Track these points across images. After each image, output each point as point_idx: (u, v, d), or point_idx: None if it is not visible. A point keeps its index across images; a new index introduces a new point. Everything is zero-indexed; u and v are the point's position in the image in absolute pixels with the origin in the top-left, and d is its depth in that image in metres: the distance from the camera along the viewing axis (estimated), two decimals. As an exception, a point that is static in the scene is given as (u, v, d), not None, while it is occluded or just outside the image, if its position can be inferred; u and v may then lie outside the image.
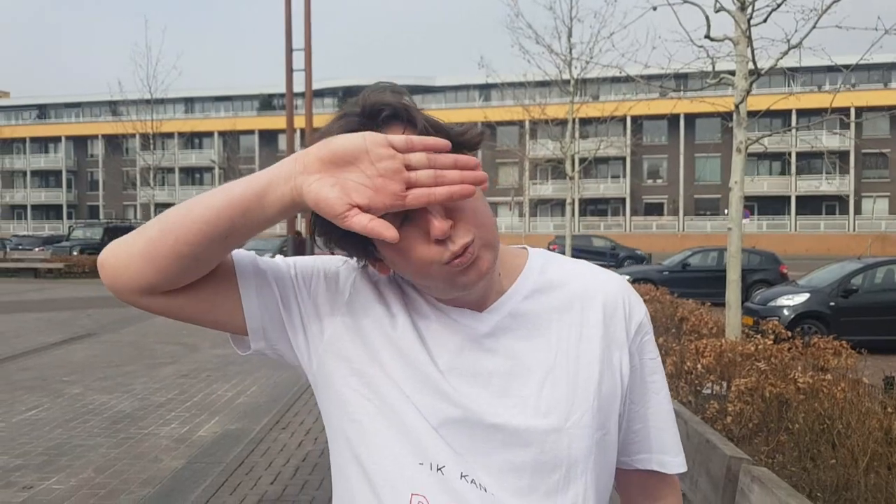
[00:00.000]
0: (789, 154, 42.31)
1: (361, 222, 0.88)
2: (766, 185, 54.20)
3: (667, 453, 1.14)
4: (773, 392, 4.81)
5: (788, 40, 6.33)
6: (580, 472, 1.01)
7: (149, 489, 5.00)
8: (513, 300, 1.05)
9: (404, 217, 0.93)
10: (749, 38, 6.27)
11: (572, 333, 1.05)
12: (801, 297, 11.59)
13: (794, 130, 40.19)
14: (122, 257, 0.99)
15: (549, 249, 1.15)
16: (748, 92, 6.46)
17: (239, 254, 1.09)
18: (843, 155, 48.35)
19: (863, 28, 6.03)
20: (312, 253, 1.27)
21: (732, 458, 2.79)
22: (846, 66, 6.76)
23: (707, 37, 6.70)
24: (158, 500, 4.81)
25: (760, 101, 9.26)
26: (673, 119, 52.81)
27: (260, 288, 1.07)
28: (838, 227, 52.59)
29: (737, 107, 6.59)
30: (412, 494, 0.98)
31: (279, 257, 1.15)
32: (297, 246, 21.33)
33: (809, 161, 50.65)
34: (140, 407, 7.27)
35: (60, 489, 5.02)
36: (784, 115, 45.41)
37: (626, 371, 1.07)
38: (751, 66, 6.51)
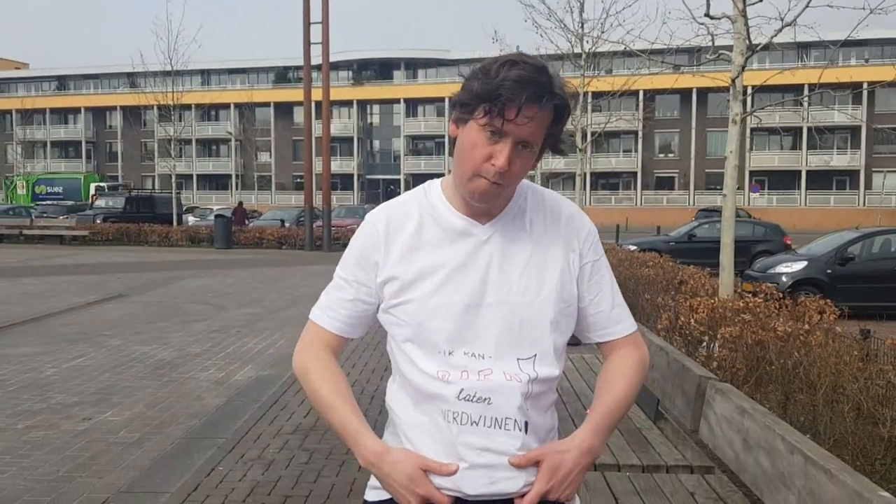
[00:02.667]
0: (799, 129, 42.28)
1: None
2: (777, 159, 54.25)
3: (619, 324, 1.68)
4: (754, 339, 5.35)
5: (782, 18, 6.78)
6: (548, 332, 1.55)
7: (195, 421, 5.63)
8: (506, 217, 1.59)
9: (493, 130, 1.41)
10: (745, 16, 6.72)
11: (543, 239, 1.59)
12: (800, 265, 12.07)
13: (806, 104, 39.81)
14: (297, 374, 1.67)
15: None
16: (743, 67, 6.92)
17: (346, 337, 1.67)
18: (854, 130, 48.35)
19: (851, 7, 6.48)
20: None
21: (701, 377, 3.34)
22: (833, 43, 7.19)
23: (707, 14, 7.15)
24: (205, 429, 5.43)
25: (764, 76, 9.68)
26: (685, 93, 52.82)
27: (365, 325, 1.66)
28: (848, 202, 52.66)
29: (733, 81, 7.05)
30: (439, 372, 1.50)
31: (339, 283, 1.64)
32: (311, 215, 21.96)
33: (821, 136, 50.56)
34: (179, 356, 7.91)
35: (117, 420, 5.65)
36: (797, 89, 45.28)
37: (576, 265, 1.60)
38: (748, 42, 6.96)
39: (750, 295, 8.34)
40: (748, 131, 52.69)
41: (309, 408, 5.92)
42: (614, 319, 1.66)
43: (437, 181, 1.66)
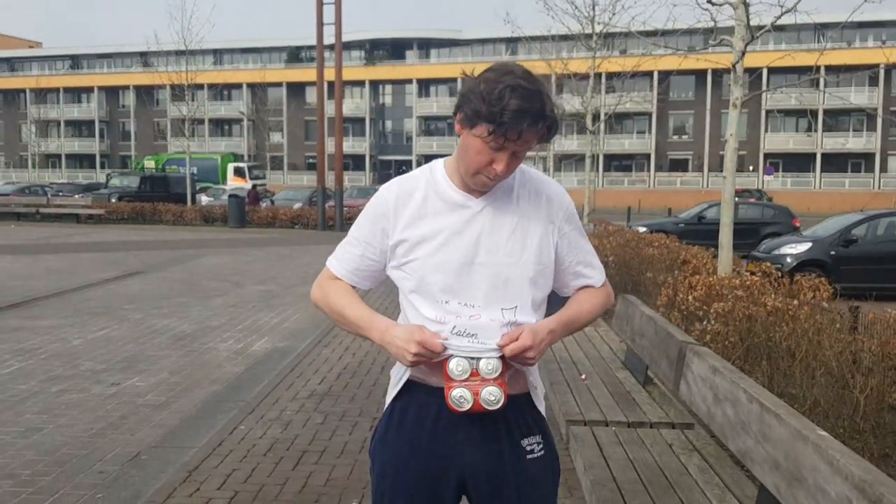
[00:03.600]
0: (814, 111, 42.04)
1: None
2: (792, 142, 54.06)
3: (591, 277, 2.00)
4: (744, 313, 5.64)
5: (781, 5, 7.01)
6: (527, 288, 1.87)
7: (217, 386, 6.00)
8: (497, 193, 1.89)
9: (493, 140, 1.71)
10: (745, 2, 6.95)
11: (527, 212, 1.90)
12: (804, 246, 12.31)
13: (822, 86, 39.55)
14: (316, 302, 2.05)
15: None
16: (744, 53, 7.15)
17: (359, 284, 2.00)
18: (870, 113, 48.00)
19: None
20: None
21: (682, 342, 3.64)
22: (835, 25, 7.39)
23: (708, 1, 7.38)
24: (227, 393, 5.80)
25: (770, 58, 9.85)
26: (700, 74, 52.54)
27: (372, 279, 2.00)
28: (863, 185, 52.47)
29: (734, 66, 7.29)
30: (436, 318, 1.82)
31: (352, 242, 1.97)
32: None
33: (837, 118, 50.36)
34: (198, 329, 8.28)
35: (143, 385, 6.03)
36: (812, 70, 44.98)
37: (556, 235, 1.91)
38: (748, 28, 7.18)
39: (749, 274, 8.62)
40: (763, 113, 52.54)
41: (323, 375, 6.28)
42: (587, 275, 2.00)
43: (440, 161, 1.97)
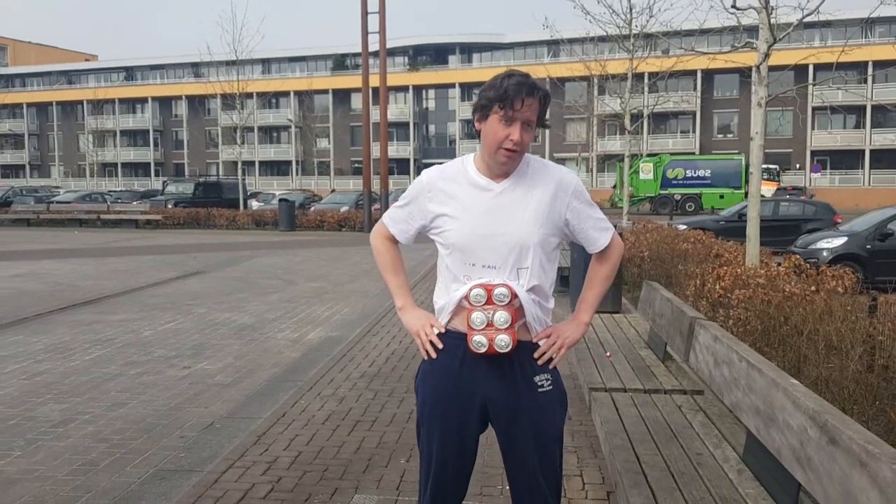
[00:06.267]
0: (862, 107, 41.32)
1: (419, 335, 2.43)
2: (840, 138, 53.17)
3: (600, 240, 2.49)
4: (764, 299, 6.03)
5: (802, 9, 7.36)
6: (536, 251, 2.37)
7: (278, 369, 6.61)
8: (514, 178, 2.40)
9: (507, 118, 2.25)
10: (766, 8, 7.32)
11: (539, 191, 2.40)
12: (840, 240, 12.50)
13: (870, 81, 38.76)
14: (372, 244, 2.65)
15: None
16: (767, 55, 7.52)
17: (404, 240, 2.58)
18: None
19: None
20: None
21: (692, 318, 4.09)
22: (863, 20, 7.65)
23: (734, 6, 7.76)
24: (287, 374, 6.40)
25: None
26: (745, 73, 52.04)
27: (411, 239, 2.56)
28: (914, 182, 51.40)
29: (758, 67, 7.65)
30: (464, 275, 2.35)
31: (396, 209, 2.55)
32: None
33: (886, 114, 49.38)
34: (257, 321, 8.94)
35: (211, 368, 6.67)
36: (860, 66, 44.37)
37: (563, 210, 2.41)
38: (772, 29, 7.54)
39: (776, 265, 8.95)
40: (809, 110, 51.82)
41: (373, 360, 6.85)
42: (596, 238, 2.49)
43: (470, 155, 2.49)
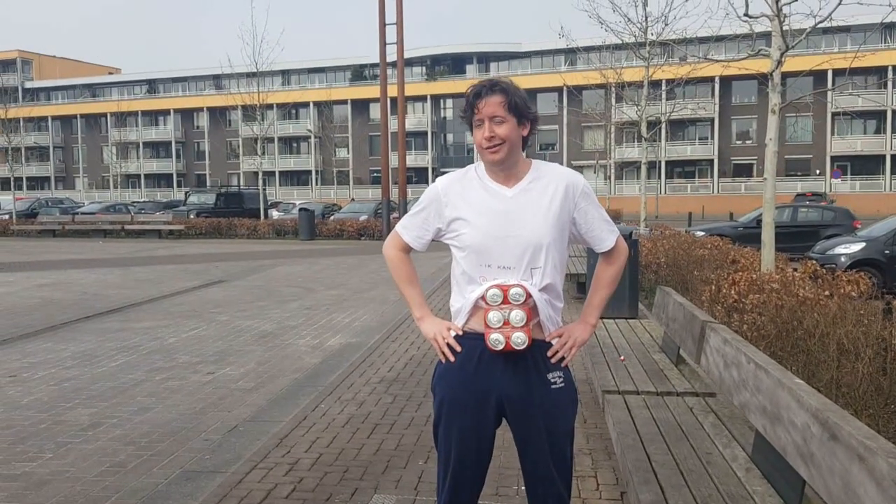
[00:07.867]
0: (883, 113, 41.01)
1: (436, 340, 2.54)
2: (860, 144, 52.74)
3: (606, 241, 2.60)
4: (777, 304, 6.09)
5: (815, 16, 7.41)
6: (548, 252, 2.48)
7: (299, 374, 6.75)
8: (525, 182, 2.52)
9: (478, 121, 2.42)
10: (779, 16, 7.39)
11: (547, 194, 2.52)
12: (857, 246, 12.48)
13: (889, 86, 38.65)
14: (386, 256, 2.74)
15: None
16: (779, 62, 7.58)
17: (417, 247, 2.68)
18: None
19: (878, 3, 7.07)
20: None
21: (703, 321, 4.18)
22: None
23: (746, 14, 7.83)
24: (308, 379, 6.54)
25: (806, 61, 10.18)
26: (763, 79, 51.81)
27: (425, 245, 2.66)
28: (938, 187, 50.84)
29: (770, 74, 7.72)
30: (480, 276, 2.47)
31: (410, 216, 2.67)
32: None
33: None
34: (278, 328, 9.10)
35: (234, 373, 6.83)
36: (880, 71, 44.04)
37: (571, 209, 2.52)
38: (784, 37, 7.61)
39: (792, 271, 8.97)
40: (829, 116, 51.48)
41: (391, 365, 6.97)
42: (602, 238, 2.61)
43: (480, 163, 2.61)
